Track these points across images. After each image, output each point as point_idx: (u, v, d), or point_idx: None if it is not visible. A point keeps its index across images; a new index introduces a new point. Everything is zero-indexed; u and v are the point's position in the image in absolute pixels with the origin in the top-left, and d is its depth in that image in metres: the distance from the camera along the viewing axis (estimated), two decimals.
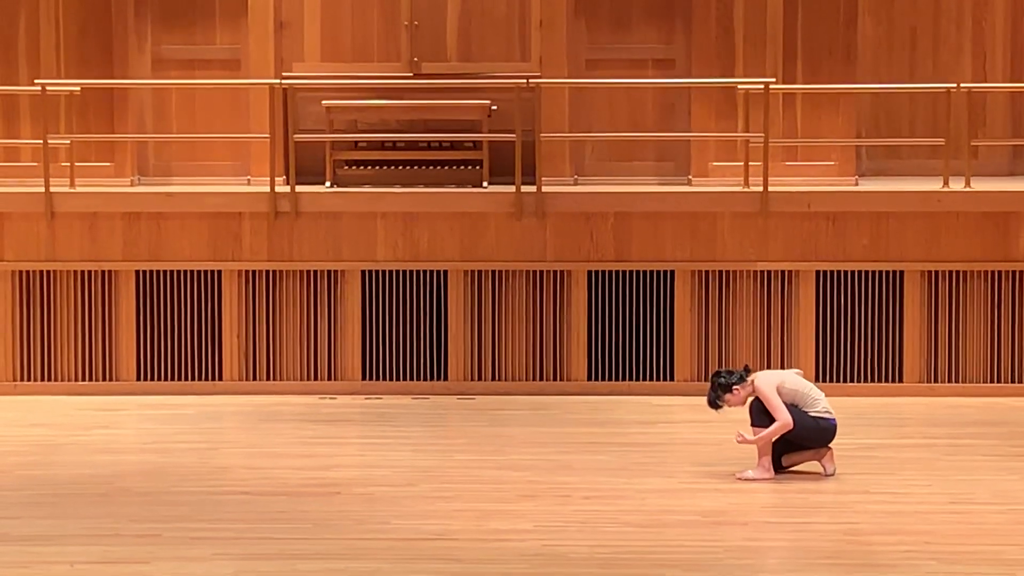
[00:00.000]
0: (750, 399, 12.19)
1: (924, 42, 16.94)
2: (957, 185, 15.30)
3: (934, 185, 15.39)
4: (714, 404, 12.23)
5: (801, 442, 12.20)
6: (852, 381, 15.21)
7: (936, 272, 15.17)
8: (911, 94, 16.77)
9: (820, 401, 12.21)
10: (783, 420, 12.00)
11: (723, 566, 10.11)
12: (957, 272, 15.15)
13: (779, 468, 12.21)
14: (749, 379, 12.19)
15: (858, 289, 15.21)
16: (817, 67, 15.92)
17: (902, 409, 14.74)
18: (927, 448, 13.29)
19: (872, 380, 15.22)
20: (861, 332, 15.22)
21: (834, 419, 12.19)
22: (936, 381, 15.21)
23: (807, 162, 15.93)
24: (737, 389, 12.17)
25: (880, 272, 15.19)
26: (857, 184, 15.85)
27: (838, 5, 15.89)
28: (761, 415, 12.07)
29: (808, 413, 12.13)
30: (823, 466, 12.20)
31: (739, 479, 12.05)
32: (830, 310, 15.21)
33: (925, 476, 12.37)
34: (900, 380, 15.22)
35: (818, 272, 15.20)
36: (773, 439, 12.09)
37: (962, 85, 15.57)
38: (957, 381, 15.20)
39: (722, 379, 12.22)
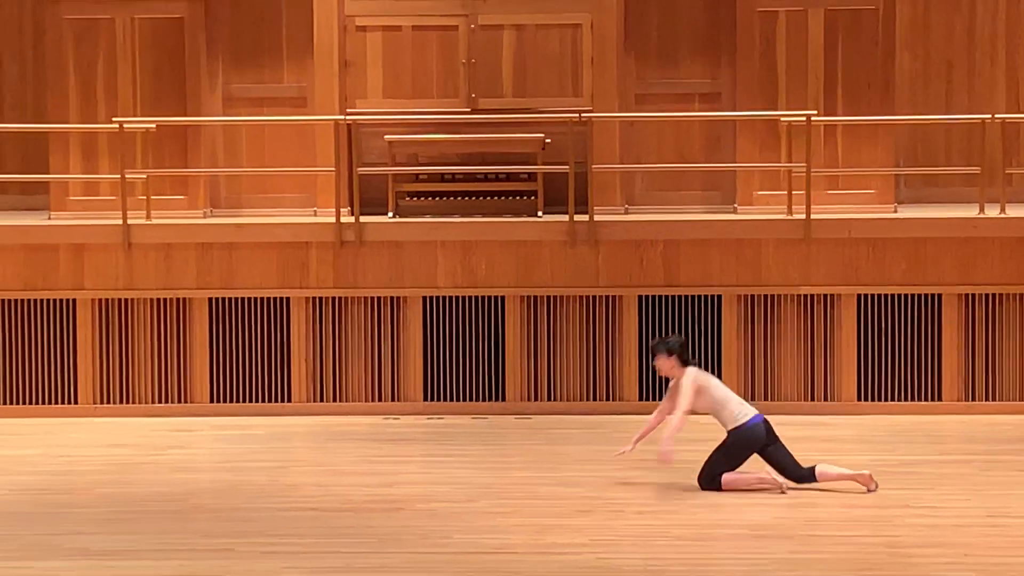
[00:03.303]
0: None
1: (959, 75, 16.88)
2: (992, 212, 15.21)
3: (970, 212, 15.31)
4: (653, 353, 12.32)
5: (736, 455, 12.13)
6: (892, 400, 15.13)
7: (972, 295, 15.09)
8: (947, 125, 16.70)
9: (738, 413, 12.13)
10: (678, 414, 12.05)
11: None
12: (993, 295, 15.06)
13: (712, 486, 12.09)
14: (679, 364, 12.17)
15: (897, 312, 15.14)
16: (857, 99, 15.88)
17: (940, 427, 14.65)
18: (965, 464, 13.20)
19: (911, 399, 15.14)
20: (901, 353, 15.14)
21: (754, 417, 12.11)
22: (973, 400, 15.12)
23: (848, 190, 15.87)
24: (660, 358, 12.23)
25: (918, 295, 15.11)
26: (896, 211, 15.78)
27: (876, 40, 15.85)
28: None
29: (729, 427, 12.10)
30: (866, 486, 12.12)
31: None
32: (871, 332, 15.14)
33: (963, 491, 12.29)
34: (939, 399, 15.13)
35: (859, 296, 15.14)
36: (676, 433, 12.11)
37: (996, 116, 15.50)
38: (993, 399, 15.11)
39: (656, 341, 12.35)
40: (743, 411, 12.19)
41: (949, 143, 16.91)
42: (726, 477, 12.14)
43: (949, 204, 16.25)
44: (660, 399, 14.98)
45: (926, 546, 10.73)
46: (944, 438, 14.27)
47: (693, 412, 12.25)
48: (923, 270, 15.08)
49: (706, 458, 12.26)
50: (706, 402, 12.24)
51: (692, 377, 12.20)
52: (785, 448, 12.19)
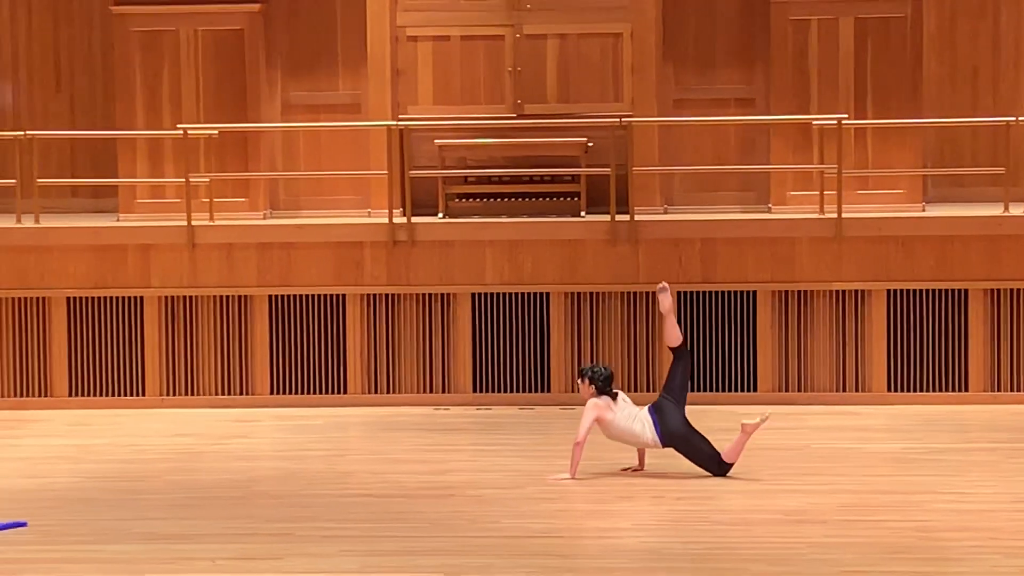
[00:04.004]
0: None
1: (984, 79, 16.77)
2: (1016, 210, 15.11)
3: (995, 210, 15.22)
4: (581, 377, 12.31)
5: (695, 440, 12.17)
6: (921, 391, 15.05)
7: (998, 290, 14.99)
8: (973, 127, 16.58)
9: (647, 433, 12.13)
10: (576, 439, 12.07)
11: (805, 560, 10.02)
12: (1018, 290, 14.96)
13: (723, 469, 12.10)
14: (595, 392, 12.15)
15: (926, 306, 15.05)
16: (886, 103, 15.80)
17: (967, 416, 14.57)
18: (991, 452, 13.13)
19: (939, 390, 15.05)
20: (929, 346, 15.06)
21: (654, 425, 12.10)
22: (999, 390, 15.02)
23: (877, 191, 15.79)
24: (580, 385, 12.27)
25: (946, 291, 15.03)
26: (924, 210, 15.69)
27: (905, 46, 15.77)
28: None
29: (658, 442, 12.12)
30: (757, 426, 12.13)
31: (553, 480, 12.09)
32: (900, 326, 15.06)
33: (990, 477, 12.21)
34: (965, 389, 15.04)
35: (889, 291, 15.06)
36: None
37: (1020, 118, 15.39)
38: (1018, 390, 15.01)
39: (582, 368, 12.36)
40: (646, 430, 12.14)
41: (975, 145, 16.80)
42: (724, 452, 12.10)
43: (975, 203, 16.15)
44: (697, 390, 14.97)
45: (954, 530, 10.67)
46: (970, 427, 14.19)
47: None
48: (950, 266, 14.99)
49: (698, 461, 12.16)
50: (614, 432, 12.23)
51: (590, 404, 12.21)
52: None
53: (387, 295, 15.29)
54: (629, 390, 15.05)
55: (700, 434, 12.19)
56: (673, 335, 12.29)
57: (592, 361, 14.95)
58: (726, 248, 15.12)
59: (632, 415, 12.18)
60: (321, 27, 16.45)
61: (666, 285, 12.44)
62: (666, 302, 12.35)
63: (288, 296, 15.32)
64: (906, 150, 15.86)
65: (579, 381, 12.34)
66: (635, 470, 12.36)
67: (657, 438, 12.09)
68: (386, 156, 15.60)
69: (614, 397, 12.23)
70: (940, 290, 15.03)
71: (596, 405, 12.16)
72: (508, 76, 16.22)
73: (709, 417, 14.38)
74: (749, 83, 16.29)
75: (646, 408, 12.22)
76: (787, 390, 15.09)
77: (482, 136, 16.01)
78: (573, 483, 12.09)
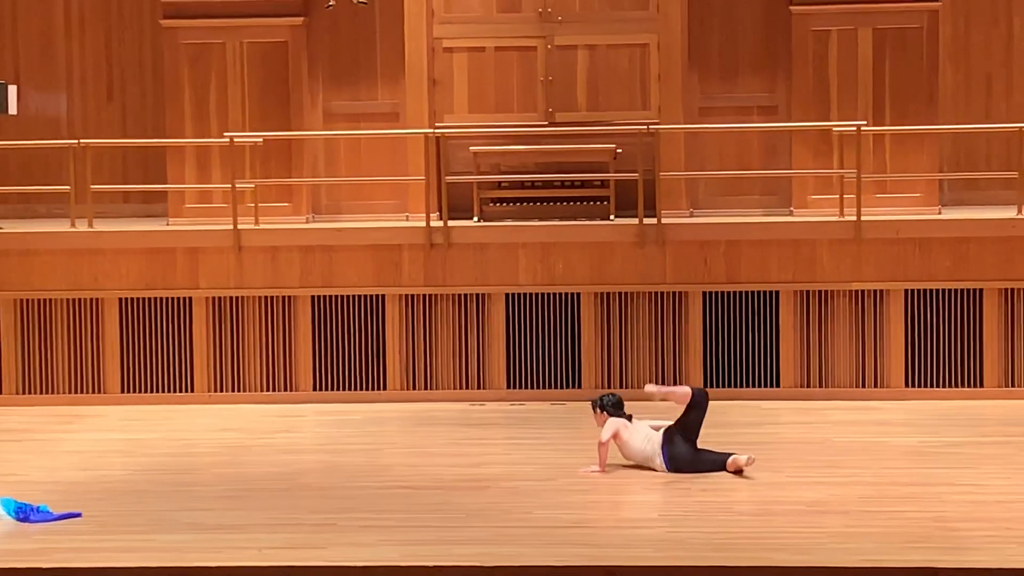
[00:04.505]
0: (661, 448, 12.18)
1: (998, 87, 16.72)
2: None
3: (1009, 213, 15.18)
4: (594, 408, 12.44)
5: (697, 453, 12.18)
6: (937, 386, 15.02)
7: (1012, 290, 14.95)
8: (987, 133, 16.54)
9: (653, 459, 12.14)
10: (600, 440, 12.18)
11: (826, 550, 10.02)
12: None
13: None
14: (605, 417, 12.29)
15: (942, 305, 15.02)
16: (903, 110, 15.77)
17: (982, 411, 14.53)
18: (1005, 445, 13.09)
19: (955, 385, 15.01)
20: (945, 343, 15.03)
21: (663, 446, 12.13)
22: (1013, 385, 14.97)
23: (895, 194, 15.76)
24: (595, 417, 12.41)
25: (961, 290, 14.99)
26: (940, 213, 15.66)
27: (921, 55, 15.74)
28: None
29: (656, 462, 12.11)
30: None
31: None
32: (917, 324, 15.03)
33: (1004, 469, 12.18)
34: (980, 385, 15.00)
35: (906, 291, 15.03)
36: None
37: None
38: None
39: (592, 401, 12.53)
40: (655, 456, 12.18)
41: (989, 150, 16.75)
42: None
43: (989, 206, 16.10)
44: (722, 386, 14.98)
45: (970, 520, 10.65)
46: (985, 421, 14.16)
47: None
48: (966, 267, 14.96)
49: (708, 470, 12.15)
50: (628, 452, 12.33)
51: (609, 423, 12.32)
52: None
53: (424, 295, 15.32)
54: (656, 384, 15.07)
55: (708, 452, 12.17)
56: (680, 396, 12.33)
57: (621, 359, 14.99)
58: (750, 250, 15.12)
59: (646, 437, 12.26)
60: (361, 39, 16.49)
61: (649, 389, 12.52)
62: (656, 395, 12.45)
63: (330, 297, 15.37)
64: (923, 155, 15.83)
65: (595, 413, 12.45)
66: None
67: (664, 464, 12.13)
68: (423, 162, 15.64)
69: (628, 419, 12.34)
70: (956, 290, 15.00)
71: (614, 422, 12.29)
72: (540, 85, 16.24)
73: (734, 412, 14.42)
74: (771, 91, 16.28)
75: (661, 432, 12.23)
76: (808, 386, 15.07)
77: (515, 143, 16.03)
78: (602, 476, 12.12)
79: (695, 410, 12.24)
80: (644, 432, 12.30)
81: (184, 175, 16.22)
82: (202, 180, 16.17)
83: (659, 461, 12.13)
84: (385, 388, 15.34)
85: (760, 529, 10.56)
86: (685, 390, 12.41)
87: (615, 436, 12.25)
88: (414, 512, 11.11)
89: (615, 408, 12.41)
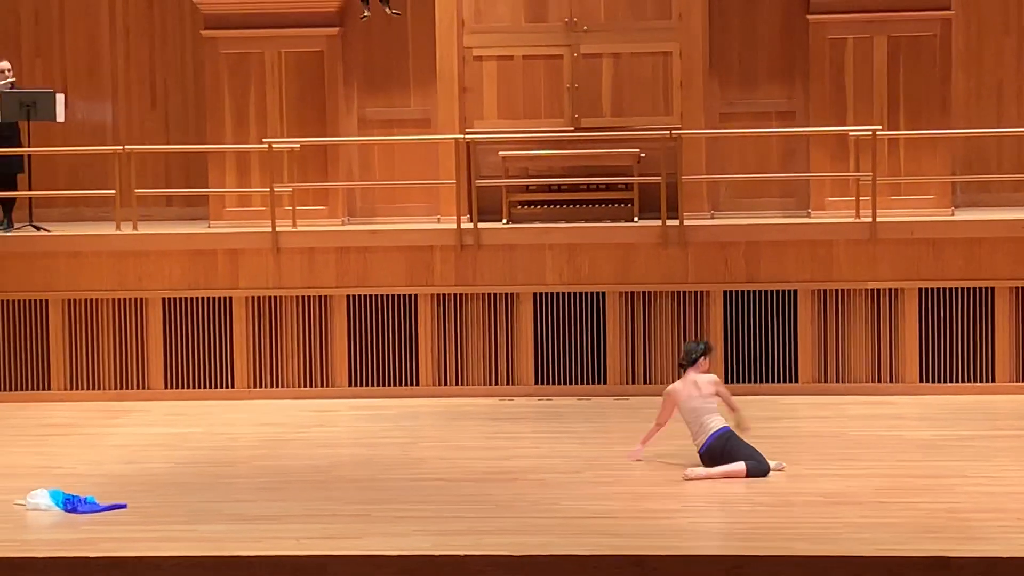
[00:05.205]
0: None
1: (1009, 92, 16.65)
2: None
3: (1019, 214, 15.12)
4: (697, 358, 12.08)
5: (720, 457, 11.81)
6: (951, 381, 14.95)
7: (1023, 288, 14.87)
8: (998, 137, 16.48)
9: (707, 425, 11.80)
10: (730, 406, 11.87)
11: (843, 539, 9.97)
12: None
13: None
14: (707, 364, 12.00)
15: (955, 303, 14.95)
16: (917, 115, 15.71)
17: (995, 405, 14.46)
18: (1017, 438, 13.02)
19: (968, 380, 14.95)
20: (958, 340, 14.96)
21: (718, 430, 11.81)
22: None
23: (910, 196, 15.70)
24: (705, 363, 12.05)
25: (974, 289, 14.93)
26: (953, 214, 15.60)
27: (935, 62, 15.68)
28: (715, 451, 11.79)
29: (705, 437, 11.79)
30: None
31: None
32: (931, 321, 14.97)
33: (1016, 462, 12.12)
34: (993, 380, 14.94)
35: (920, 290, 14.97)
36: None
37: None
38: None
39: (702, 345, 12.16)
40: (703, 432, 11.87)
41: (1000, 153, 16.69)
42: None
43: (1000, 208, 16.05)
44: (742, 381, 14.93)
45: (983, 511, 10.59)
46: (998, 415, 14.08)
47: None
48: (978, 266, 14.89)
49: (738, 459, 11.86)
50: (685, 413, 11.99)
51: (675, 386, 12.03)
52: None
53: (455, 295, 15.32)
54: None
55: (739, 450, 11.87)
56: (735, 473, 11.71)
57: (645, 356, 14.97)
58: (769, 250, 15.07)
59: (711, 409, 11.94)
60: (394, 48, 16.50)
61: (688, 473, 11.77)
62: (699, 473, 11.74)
63: (364, 296, 15.37)
64: (936, 158, 15.76)
65: (704, 360, 12.05)
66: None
67: (705, 443, 11.87)
68: (454, 167, 15.63)
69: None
70: (968, 288, 14.93)
71: (673, 389, 12.00)
72: (566, 92, 16.22)
73: (753, 406, 14.36)
74: (789, 97, 16.23)
75: (721, 426, 11.86)
76: (826, 381, 15.03)
77: (543, 148, 16.02)
78: (627, 468, 12.07)
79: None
80: (702, 402, 11.92)
81: (224, 179, 16.26)
82: (242, 184, 16.19)
83: (702, 439, 11.93)
84: (418, 384, 15.34)
85: (779, 519, 10.53)
86: (740, 469, 11.70)
87: (717, 393, 11.89)
88: (446, 503, 11.10)
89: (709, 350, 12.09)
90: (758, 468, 11.64)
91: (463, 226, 15.38)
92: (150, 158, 16.99)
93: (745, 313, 15.12)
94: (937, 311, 14.98)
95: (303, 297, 15.40)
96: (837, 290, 15.07)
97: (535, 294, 15.27)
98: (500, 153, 15.90)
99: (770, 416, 14.05)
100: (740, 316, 15.11)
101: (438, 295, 15.33)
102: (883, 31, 15.72)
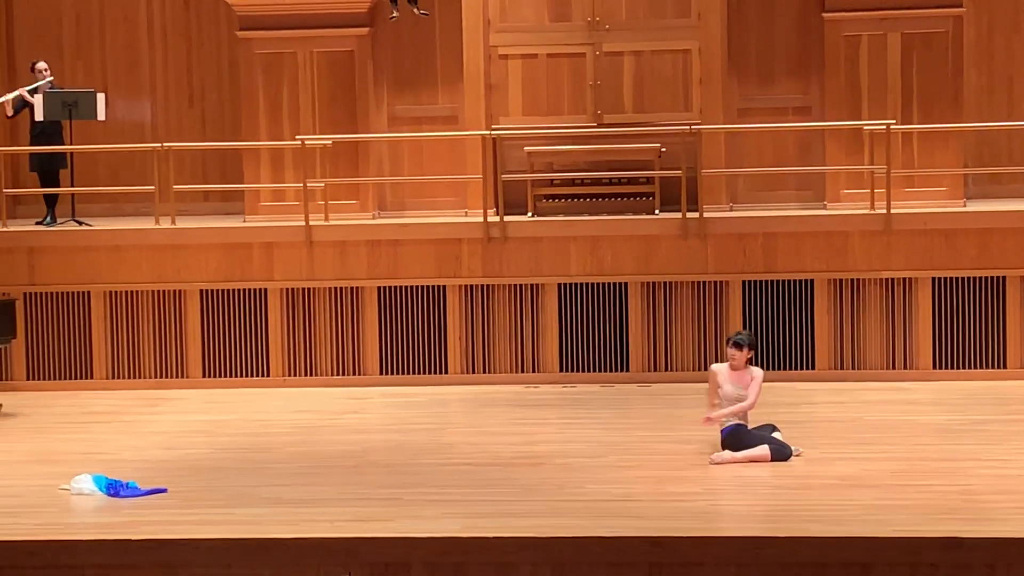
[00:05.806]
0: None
1: (1020, 87, 16.58)
2: None
3: None
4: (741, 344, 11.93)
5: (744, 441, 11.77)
6: (963, 368, 14.91)
7: None
8: (1009, 131, 16.41)
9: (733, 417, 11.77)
10: (748, 403, 11.80)
11: (859, 521, 9.96)
12: None
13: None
14: (748, 353, 11.87)
15: (967, 292, 14.91)
16: (930, 110, 15.65)
17: (1006, 390, 14.41)
18: None
19: (980, 367, 14.90)
20: (970, 327, 14.91)
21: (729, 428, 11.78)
22: None
23: (923, 188, 15.65)
24: (746, 349, 11.89)
25: (985, 278, 14.87)
26: (965, 206, 15.54)
27: (947, 58, 15.62)
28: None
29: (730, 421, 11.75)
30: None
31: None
32: (944, 309, 14.92)
33: None
34: (1004, 366, 14.88)
35: (934, 279, 14.92)
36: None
37: None
38: None
39: (739, 339, 11.98)
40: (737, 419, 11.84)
41: (1011, 146, 16.61)
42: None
43: (1011, 199, 15.98)
44: (764, 368, 14.86)
45: (996, 493, 10.57)
46: (1010, 400, 14.04)
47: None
48: (989, 256, 14.84)
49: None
50: (723, 394, 11.93)
51: (761, 375, 11.95)
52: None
53: (482, 286, 15.32)
54: (702, 369, 15.03)
55: (757, 435, 11.83)
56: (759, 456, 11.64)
57: (666, 344, 14.96)
58: (786, 241, 15.04)
59: (743, 397, 11.85)
60: (422, 48, 16.51)
61: (714, 458, 11.69)
62: (724, 457, 11.68)
63: (395, 287, 15.39)
64: (948, 151, 15.71)
65: (747, 352, 11.91)
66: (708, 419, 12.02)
67: (728, 429, 11.83)
68: (481, 162, 15.63)
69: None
70: (980, 277, 14.88)
71: (716, 369, 11.94)
72: (589, 89, 16.21)
73: (772, 392, 14.35)
74: (806, 93, 16.19)
75: (759, 426, 11.83)
76: (842, 368, 14.99)
77: (566, 143, 16.00)
78: (649, 453, 12.07)
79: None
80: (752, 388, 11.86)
81: (259, 175, 16.28)
82: (276, 180, 16.22)
83: (730, 424, 11.86)
84: (447, 372, 15.35)
85: (797, 502, 10.51)
86: (764, 453, 11.66)
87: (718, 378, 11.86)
88: (474, 487, 11.11)
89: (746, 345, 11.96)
90: (781, 452, 11.62)
91: (490, 219, 15.38)
92: (187, 155, 17.03)
93: (763, 302, 15.09)
94: (950, 299, 14.93)
95: (335, 288, 15.42)
96: (852, 279, 15.03)
97: (559, 285, 15.27)
98: (525, 148, 15.89)
99: (788, 402, 14.02)
100: (758, 305, 15.09)
101: (466, 286, 15.33)
102: (896, 28, 15.67)
